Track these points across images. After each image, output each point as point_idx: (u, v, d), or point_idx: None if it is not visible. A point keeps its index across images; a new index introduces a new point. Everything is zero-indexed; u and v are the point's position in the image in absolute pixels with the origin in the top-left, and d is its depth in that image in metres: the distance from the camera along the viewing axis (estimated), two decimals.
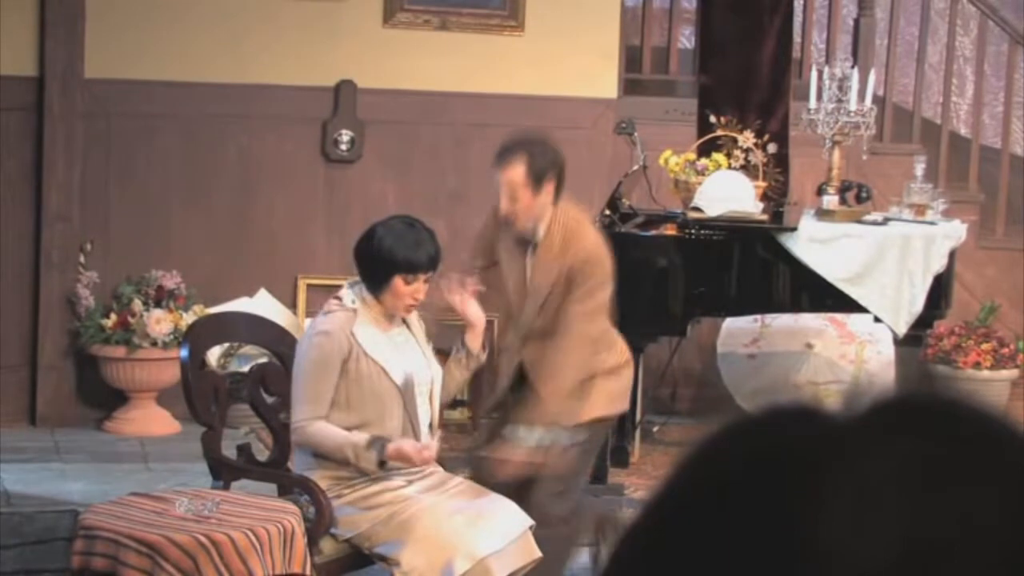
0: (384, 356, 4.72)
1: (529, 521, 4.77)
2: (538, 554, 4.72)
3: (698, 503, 0.77)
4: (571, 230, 5.14)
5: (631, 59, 8.13)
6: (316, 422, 4.66)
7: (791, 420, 0.78)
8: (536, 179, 5.10)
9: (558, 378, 5.04)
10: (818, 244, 6.65)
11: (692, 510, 0.77)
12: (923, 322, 6.92)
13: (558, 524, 5.12)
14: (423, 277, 4.76)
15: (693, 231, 6.69)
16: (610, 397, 5.23)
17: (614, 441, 6.83)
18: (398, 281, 4.73)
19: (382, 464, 4.66)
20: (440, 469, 4.89)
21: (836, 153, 7.03)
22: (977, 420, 0.77)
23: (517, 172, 5.12)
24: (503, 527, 4.66)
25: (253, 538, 4.33)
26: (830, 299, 6.64)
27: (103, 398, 7.25)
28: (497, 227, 5.31)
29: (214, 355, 6.81)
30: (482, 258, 5.40)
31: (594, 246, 5.14)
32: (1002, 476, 0.75)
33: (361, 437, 4.66)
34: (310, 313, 7.18)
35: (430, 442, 4.74)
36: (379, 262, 4.74)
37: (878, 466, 0.74)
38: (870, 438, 0.75)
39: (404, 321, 4.88)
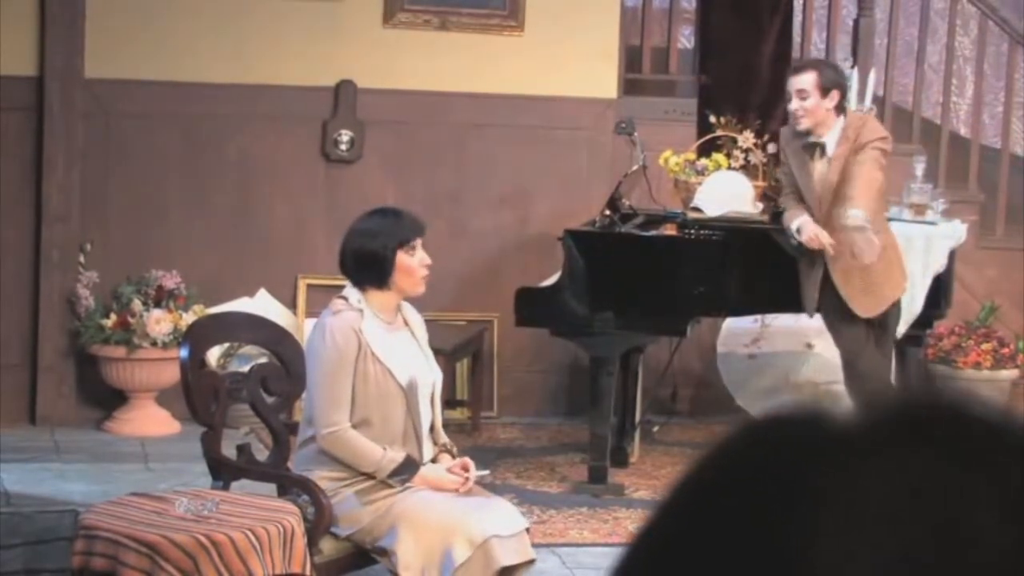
0: (389, 357, 4.72)
1: (525, 523, 4.77)
2: (532, 556, 4.70)
3: (696, 523, 0.76)
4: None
5: (631, 59, 8.12)
6: (350, 430, 4.67)
7: (795, 436, 0.77)
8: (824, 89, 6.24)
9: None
10: None
11: (691, 527, 0.77)
12: (923, 322, 6.93)
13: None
14: (420, 242, 4.79)
15: (693, 231, 6.69)
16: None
17: (614, 441, 6.84)
18: (403, 257, 4.74)
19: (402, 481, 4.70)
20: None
21: None
22: (988, 433, 0.76)
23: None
24: (503, 520, 4.64)
25: (253, 538, 4.33)
26: None
27: (103, 398, 7.25)
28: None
29: (214, 355, 6.81)
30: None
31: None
32: (1004, 497, 0.73)
33: (397, 456, 4.67)
34: (310, 313, 7.18)
35: (472, 472, 4.78)
36: (377, 253, 4.74)
37: (878, 488, 0.73)
38: (872, 456, 0.74)
39: (406, 323, 4.88)
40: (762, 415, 0.79)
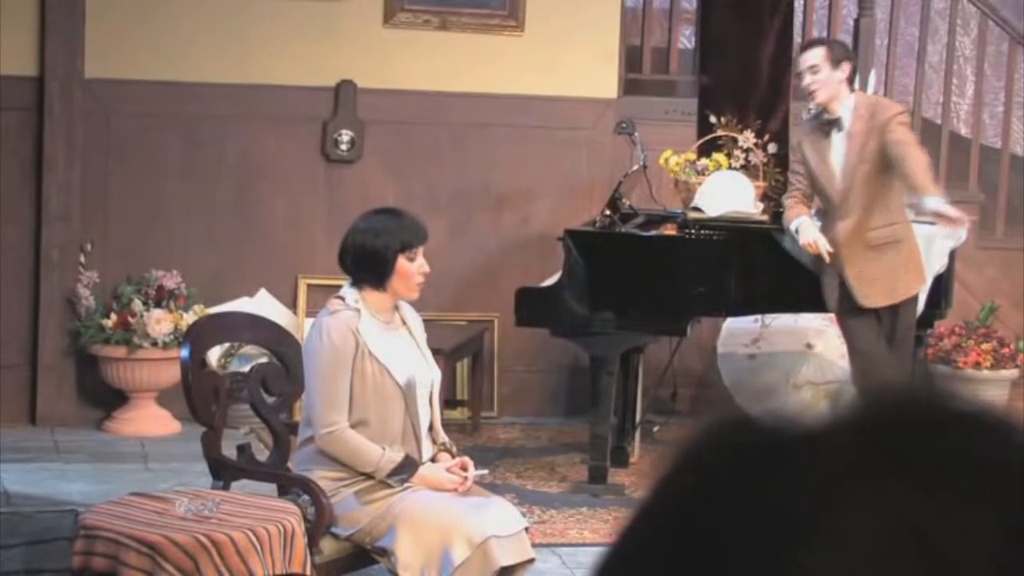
0: (387, 357, 4.72)
1: (525, 523, 4.76)
2: (531, 555, 4.70)
3: (675, 533, 0.75)
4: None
5: (631, 59, 8.12)
6: (348, 430, 4.66)
7: (775, 461, 0.74)
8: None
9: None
10: None
11: (671, 534, 0.75)
12: (923, 322, 6.92)
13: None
14: (421, 249, 4.79)
15: (693, 231, 6.69)
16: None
17: (614, 441, 6.84)
18: (402, 262, 4.74)
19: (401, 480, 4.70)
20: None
21: None
22: (980, 457, 0.73)
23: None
24: (502, 520, 4.64)
25: (253, 538, 4.33)
26: None
27: (103, 398, 7.25)
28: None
29: (214, 355, 6.81)
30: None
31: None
32: (995, 528, 0.71)
33: (396, 456, 4.67)
34: (310, 313, 7.18)
35: (471, 471, 4.78)
36: (378, 252, 4.74)
37: (864, 527, 0.71)
38: (856, 491, 0.72)
39: (404, 322, 4.88)
40: (736, 420, 0.77)
